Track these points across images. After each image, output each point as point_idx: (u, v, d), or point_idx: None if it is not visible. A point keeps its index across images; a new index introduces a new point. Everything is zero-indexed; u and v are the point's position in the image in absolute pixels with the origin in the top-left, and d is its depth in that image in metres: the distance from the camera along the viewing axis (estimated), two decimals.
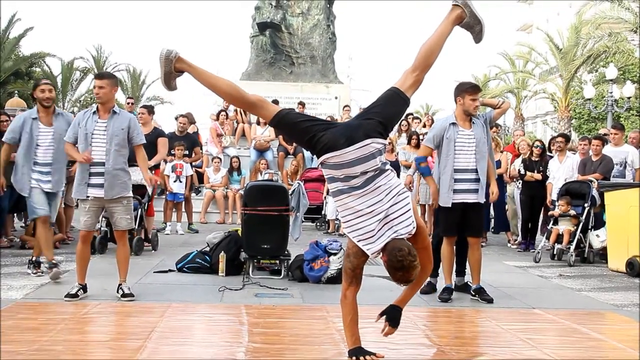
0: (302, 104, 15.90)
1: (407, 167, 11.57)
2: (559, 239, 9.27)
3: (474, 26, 4.11)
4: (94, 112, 5.88)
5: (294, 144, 13.87)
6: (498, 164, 10.20)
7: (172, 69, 3.93)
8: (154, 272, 7.21)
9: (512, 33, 49.08)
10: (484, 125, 6.28)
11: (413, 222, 3.78)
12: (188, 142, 11.85)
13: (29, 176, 6.63)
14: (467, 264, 6.44)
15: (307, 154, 13.60)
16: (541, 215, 10.63)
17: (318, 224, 12.32)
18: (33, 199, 6.60)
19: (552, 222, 9.48)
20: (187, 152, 11.63)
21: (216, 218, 12.98)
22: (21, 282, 6.42)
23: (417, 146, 11.49)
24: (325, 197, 12.02)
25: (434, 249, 4.88)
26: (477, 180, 6.13)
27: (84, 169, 5.79)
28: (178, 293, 6.16)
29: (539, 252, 9.11)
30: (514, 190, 11.21)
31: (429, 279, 6.37)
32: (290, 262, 7.17)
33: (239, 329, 4.86)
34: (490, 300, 6.08)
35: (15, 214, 10.09)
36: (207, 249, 7.47)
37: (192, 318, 5.23)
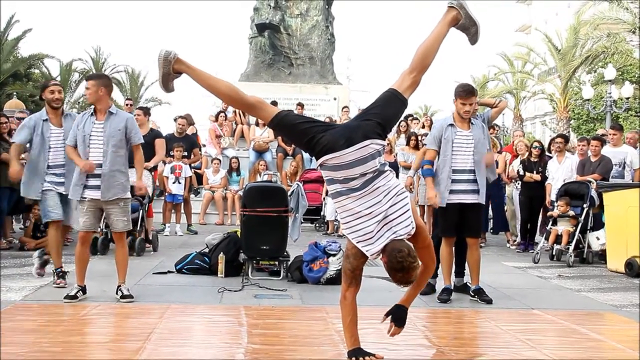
0: (301, 105, 15.90)
1: (406, 168, 11.58)
2: (558, 239, 9.27)
3: (470, 28, 4.13)
4: (92, 114, 5.88)
5: (293, 145, 13.87)
6: (496, 164, 10.20)
7: (171, 70, 3.91)
8: (153, 273, 7.21)
9: (511, 34, 49.17)
10: (483, 126, 6.30)
11: (412, 222, 3.78)
12: (187, 143, 11.85)
13: (42, 179, 6.40)
14: (466, 264, 6.44)
15: (306, 155, 13.59)
16: (540, 216, 10.63)
17: (317, 225, 12.33)
18: (47, 202, 6.34)
19: (551, 223, 9.49)
20: (186, 154, 11.64)
21: (215, 219, 12.98)
22: (20, 283, 6.42)
23: (416, 147, 11.49)
24: (324, 198, 12.02)
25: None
26: (475, 181, 6.14)
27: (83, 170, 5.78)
28: (177, 294, 6.16)
29: (538, 253, 9.11)
30: (512, 191, 11.22)
31: (428, 279, 6.39)
32: (289, 263, 7.17)
33: (238, 330, 4.86)
34: (489, 301, 6.08)
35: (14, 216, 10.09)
36: (206, 250, 7.47)
37: (191, 319, 5.23)
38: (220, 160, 13.67)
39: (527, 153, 10.70)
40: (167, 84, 3.95)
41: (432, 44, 4.01)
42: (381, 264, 3.86)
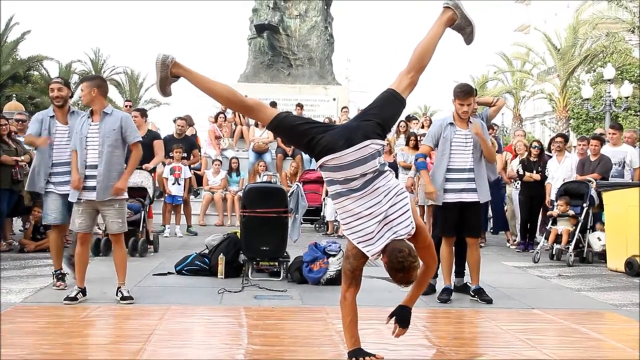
0: (300, 105, 15.92)
1: (406, 168, 11.59)
2: (558, 239, 9.27)
3: (465, 27, 4.16)
4: (89, 116, 5.88)
5: (292, 146, 13.87)
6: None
7: (168, 74, 3.90)
8: (153, 274, 7.21)
9: (510, 34, 49.18)
10: (482, 123, 6.32)
11: (412, 222, 3.78)
12: (186, 144, 11.85)
13: (46, 174, 6.32)
14: (466, 264, 6.44)
15: (306, 155, 13.58)
16: (540, 216, 10.63)
17: (317, 225, 12.33)
18: (48, 205, 6.29)
19: (550, 222, 9.49)
20: (185, 155, 11.63)
21: (215, 220, 12.97)
22: (20, 285, 6.42)
23: (416, 147, 11.48)
24: (324, 199, 12.02)
25: None
26: (474, 179, 6.15)
27: (80, 172, 5.77)
28: (177, 295, 6.16)
29: (538, 253, 9.11)
30: (512, 190, 11.22)
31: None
32: (289, 263, 7.17)
33: (238, 331, 4.86)
34: (489, 301, 6.08)
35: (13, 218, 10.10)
36: (206, 251, 7.47)
37: (191, 320, 5.22)
38: (221, 162, 13.67)
39: (526, 153, 10.70)
40: (164, 88, 3.94)
41: (428, 44, 4.04)
42: (381, 264, 3.85)
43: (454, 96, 6.15)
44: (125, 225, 5.98)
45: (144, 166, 8.73)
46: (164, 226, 11.05)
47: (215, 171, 13.40)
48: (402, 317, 4.12)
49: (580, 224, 9.09)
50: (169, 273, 7.26)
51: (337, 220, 10.94)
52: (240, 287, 6.55)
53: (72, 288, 5.84)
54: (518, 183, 10.81)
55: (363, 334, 4.07)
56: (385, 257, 3.73)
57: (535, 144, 10.86)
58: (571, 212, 9.29)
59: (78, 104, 35.89)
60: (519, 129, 26.51)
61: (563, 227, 9.26)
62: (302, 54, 18.15)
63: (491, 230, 12.21)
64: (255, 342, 4.51)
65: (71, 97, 6.89)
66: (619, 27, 25.00)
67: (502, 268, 8.43)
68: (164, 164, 11.12)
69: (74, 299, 5.66)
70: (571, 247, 8.94)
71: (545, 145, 12.47)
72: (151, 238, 9.04)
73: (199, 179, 13.53)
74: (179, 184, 11.17)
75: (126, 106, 12.98)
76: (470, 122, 6.22)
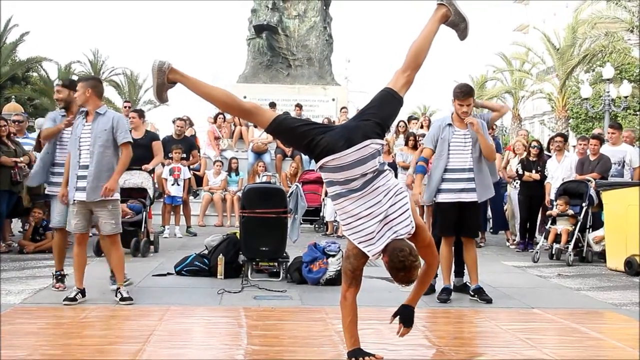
0: (299, 106, 15.92)
1: (405, 168, 11.58)
2: (557, 238, 9.27)
3: (459, 24, 4.19)
4: (84, 117, 5.88)
5: None
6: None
7: (165, 80, 3.89)
8: (153, 275, 7.21)
9: (509, 33, 49.19)
10: (482, 122, 6.32)
11: (412, 221, 3.78)
12: (186, 145, 11.85)
13: (48, 171, 6.34)
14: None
15: (306, 156, 13.59)
16: (539, 215, 10.63)
17: (316, 225, 12.32)
18: (54, 208, 6.27)
19: (550, 222, 9.49)
20: (184, 156, 11.63)
21: (214, 221, 12.96)
22: (19, 287, 6.41)
23: (415, 147, 11.49)
24: (323, 199, 12.02)
25: None
26: (473, 179, 6.15)
27: (73, 173, 5.77)
28: (177, 296, 6.16)
29: (537, 252, 9.11)
30: (511, 190, 11.21)
31: None
32: (288, 264, 7.17)
33: (238, 331, 4.86)
34: (489, 301, 6.08)
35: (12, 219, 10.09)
36: (206, 251, 7.47)
37: (190, 321, 5.22)
38: (222, 163, 13.68)
39: (525, 152, 10.70)
40: (161, 94, 3.94)
41: (423, 42, 4.06)
42: (381, 264, 3.85)
43: (454, 96, 6.17)
44: (119, 226, 5.92)
45: (143, 167, 8.74)
46: (164, 227, 11.05)
47: (217, 172, 13.40)
48: (405, 316, 4.13)
49: (579, 224, 9.09)
50: (169, 274, 7.26)
51: (336, 221, 10.94)
52: (240, 287, 6.54)
53: (72, 289, 5.83)
54: (517, 183, 10.81)
55: (363, 334, 4.07)
56: (386, 256, 3.73)
57: (534, 143, 10.86)
58: (570, 212, 9.29)
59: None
60: (522, 129, 26.51)
61: (562, 226, 9.25)
62: (301, 54, 18.15)
63: (491, 230, 12.21)
64: (254, 342, 4.51)
65: None
66: (617, 27, 25.01)
67: (502, 268, 8.43)
68: (163, 165, 11.12)
69: (73, 299, 5.65)
70: (570, 247, 8.94)
71: (545, 144, 12.47)
72: (152, 238, 9.05)
73: (199, 180, 13.53)
74: (178, 185, 11.17)
75: (125, 107, 12.97)
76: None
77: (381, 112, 3.90)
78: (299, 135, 3.87)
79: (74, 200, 5.76)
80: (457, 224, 6.19)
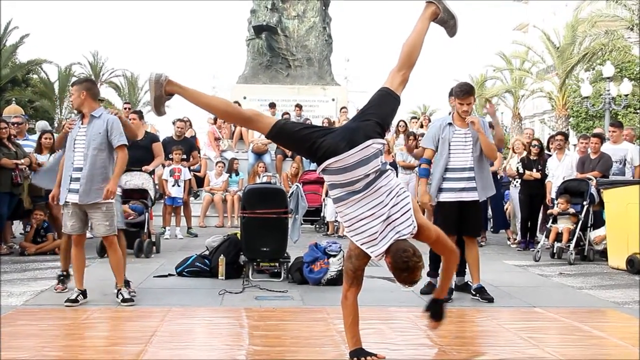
0: (299, 106, 15.91)
1: (405, 167, 11.59)
2: (559, 237, 9.26)
3: (448, 21, 4.23)
4: (80, 120, 5.88)
5: None
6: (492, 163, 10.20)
7: (163, 93, 3.89)
8: (154, 276, 7.20)
9: (509, 32, 49.16)
10: (484, 124, 6.32)
11: (414, 221, 3.79)
12: (186, 146, 11.85)
13: (55, 172, 6.31)
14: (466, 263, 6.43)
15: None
16: (540, 214, 10.62)
17: (317, 226, 12.31)
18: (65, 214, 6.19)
19: (551, 221, 9.48)
20: (185, 157, 11.63)
21: (215, 222, 12.97)
22: (21, 288, 6.41)
23: (415, 146, 11.48)
24: (324, 199, 12.01)
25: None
26: (474, 178, 6.15)
27: (67, 174, 5.77)
28: (178, 297, 6.15)
29: (538, 251, 9.10)
30: (512, 189, 11.21)
31: (428, 279, 6.39)
32: (289, 264, 7.16)
33: (240, 332, 4.86)
34: (490, 300, 6.07)
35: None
36: (207, 252, 7.47)
37: (192, 322, 5.22)
38: (224, 164, 13.68)
39: (525, 151, 10.70)
40: (159, 107, 3.93)
41: (415, 40, 4.09)
42: (382, 264, 3.85)
43: (454, 95, 6.16)
44: (114, 228, 5.89)
45: (143, 168, 8.73)
46: (164, 228, 11.05)
47: (218, 173, 13.40)
48: (435, 311, 4.28)
49: (580, 222, 9.09)
50: (170, 275, 7.25)
51: (337, 221, 10.94)
52: (241, 288, 6.54)
53: (73, 290, 5.83)
54: (518, 182, 10.80)
55: (364, 333, 4.07)
56: (389, 257, 3.73)
57: (534, 142, 10.86)
58: (571, 210, 9.29)
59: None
60: (527, 127, 26.47)
61: (563, 225, 9.25)
62: (301, 54, 18.15)
63: (491, 229, 12.20)
64: (256, 342, 4.51)
65: None
66: (617, 25, 24.99)
67: (503, 267, 8.43)
68: (163, 166, 11.11)
69: (75, 301, 5.65)
70: (572, 245, 8.93)
71: (545, 143, 12.45)
72: (153, 239, 9.06)
73: (199, 181, 13.53)
74: (179, 186, 11.17)
75: (125, 109, 12.94)
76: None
77: (381, 112, 3.91)
78: (300, 140, 3.87)
79: (67, 201, 5.76)
80: (459, 223, 6.18)
